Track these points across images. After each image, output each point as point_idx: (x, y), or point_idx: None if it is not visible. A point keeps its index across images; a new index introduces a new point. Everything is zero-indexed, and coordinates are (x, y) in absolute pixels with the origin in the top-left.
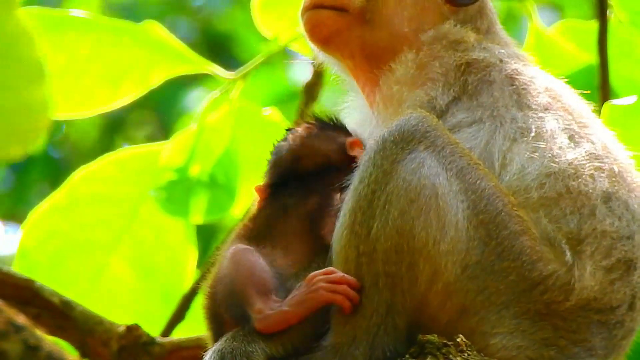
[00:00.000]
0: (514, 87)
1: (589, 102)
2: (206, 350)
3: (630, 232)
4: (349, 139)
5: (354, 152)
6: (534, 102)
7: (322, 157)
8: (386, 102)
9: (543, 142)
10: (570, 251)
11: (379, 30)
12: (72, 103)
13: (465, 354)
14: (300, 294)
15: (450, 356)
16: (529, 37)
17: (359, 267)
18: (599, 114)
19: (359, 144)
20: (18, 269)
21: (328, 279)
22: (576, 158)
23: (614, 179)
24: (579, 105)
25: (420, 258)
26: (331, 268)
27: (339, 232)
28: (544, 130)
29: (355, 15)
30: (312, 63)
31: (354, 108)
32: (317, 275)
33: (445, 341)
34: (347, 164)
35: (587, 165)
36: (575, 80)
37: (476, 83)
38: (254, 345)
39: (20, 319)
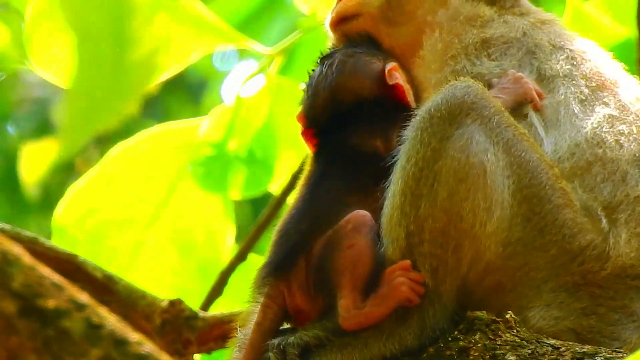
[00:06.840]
0: (532, 65)
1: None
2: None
3: None
4: (388, 66)
5: (393, 80)
6: (550, 73)
7: (359, 90)
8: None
9: (560, 113)
10: (605, 219)
11: (402, 27)
12: None
13: (515, 330)
14: (382, 292)
15: (500, 332)
16: (567, 12)
17: (408, 248)
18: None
19: (397, 68)
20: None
21: (408, 275)
22: (596, 126)
23: (638, 140)
24: (601, 65)
25: (466, 240)
26: (407, 262)
27: (389, 212)
28: (555, 102)
29: (373, 16)
30: None
31: None
32: (395, 270)
33: (494, 317)
34: (385, 94)
35: (610, 130)
36: (614, 55)
37: (496, 57)
38: None
39: (83, 296)
